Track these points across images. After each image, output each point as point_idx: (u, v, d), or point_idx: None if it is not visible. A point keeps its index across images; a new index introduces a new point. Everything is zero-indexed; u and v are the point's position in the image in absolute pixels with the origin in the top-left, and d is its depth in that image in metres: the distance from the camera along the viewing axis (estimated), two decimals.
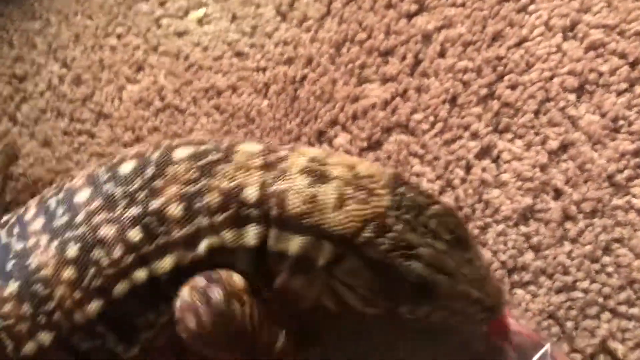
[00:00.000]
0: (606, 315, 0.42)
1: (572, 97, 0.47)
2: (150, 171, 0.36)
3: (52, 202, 0.37)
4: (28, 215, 0.38)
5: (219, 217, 0.35)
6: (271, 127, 0.51)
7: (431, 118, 0.49)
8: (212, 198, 0.35)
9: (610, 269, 0.43)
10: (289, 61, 0.53)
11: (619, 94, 0.46)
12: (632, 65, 0.47)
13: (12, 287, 0.36)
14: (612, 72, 0.47)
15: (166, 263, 0.35)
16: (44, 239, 0.36)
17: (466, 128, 0.48)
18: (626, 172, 0.45)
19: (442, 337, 0.38)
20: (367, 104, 0.50)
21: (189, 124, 0.53)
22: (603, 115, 0.46)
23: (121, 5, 0.60)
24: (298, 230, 0.34)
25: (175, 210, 0.35)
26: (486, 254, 0.45)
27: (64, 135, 0.55)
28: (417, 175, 0.48)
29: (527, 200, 0.45)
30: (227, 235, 0.35)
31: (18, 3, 0.62)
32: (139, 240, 0.35)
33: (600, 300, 0.42)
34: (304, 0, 0.54)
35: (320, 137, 0.50)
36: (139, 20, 0.58)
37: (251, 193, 0.35)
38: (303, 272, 0.35)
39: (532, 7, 0.50)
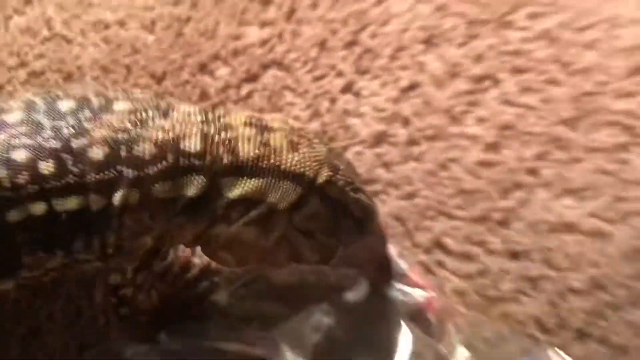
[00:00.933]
0: (441, 217, 0.49)
1: (421, 47, 0.56)
2: (84, 114, 0.35)
3: None
4: None
5: (150, 170, 0.34)
6: (156, 57, 0.55)
7: (303, 58, 0.56)
8: (144, 148, 0.34)
9: (445, 182, 0.51)
10: (176, 3, 0.57)
11: (459, 45, 0.56)
12: (469, 23, 0.56)
13: None
14: (454, 28, 0.56)
15: (70, 203, 0.34)
16: None
17: (332, 68, 0.55)
18: (461, 107, 0.54)
19: None
20: (247, 43, 0.56)
21: (75, 52, 0.56)
22: (445, 62, 0.55)
23: None
24: (255, 174, 0.35)
25: (96, 153, 0.34)
26: None
27: None
28: (290, 104, 0.54)
29: (381, 127, 0.53)
30: (160, 186, 0.34)
31: None
32: (48, 173, 0.34)
33: (437, 205, 0.50)
34: None
35: (202, 69, 0.55)
36: None
37: (193, 143, 0.35)
38: (260, 220, 0.35)
39: None
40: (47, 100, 0.36)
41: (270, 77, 0.55)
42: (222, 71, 0.55)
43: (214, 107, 0.42)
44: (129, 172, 0.34)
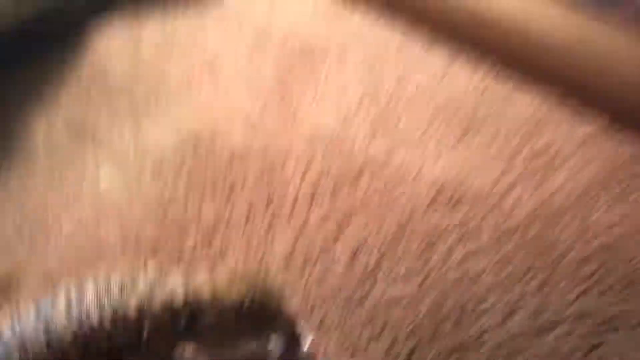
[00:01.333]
0: None
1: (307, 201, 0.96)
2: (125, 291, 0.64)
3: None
4: None
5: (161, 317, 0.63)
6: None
7: (238, 223, 0.95)
8: (155, 307, 0.63)
9: None
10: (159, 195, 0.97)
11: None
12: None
13: None
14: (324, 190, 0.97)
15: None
16: None
17: (261, 228, 0.95)
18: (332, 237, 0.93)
19: None
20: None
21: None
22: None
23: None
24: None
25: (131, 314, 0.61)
26: None
27: None
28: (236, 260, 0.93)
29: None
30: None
31: None
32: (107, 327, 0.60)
33: None
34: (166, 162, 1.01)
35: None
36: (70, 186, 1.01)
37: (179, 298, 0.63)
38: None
39: (287, 162, 1.01)
40: (105, 284, 0.66)
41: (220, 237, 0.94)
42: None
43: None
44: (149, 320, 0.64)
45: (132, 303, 0.62)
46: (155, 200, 0.97)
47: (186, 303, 0.64)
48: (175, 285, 0.65)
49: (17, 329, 0.61)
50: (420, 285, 0.88)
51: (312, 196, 0.97)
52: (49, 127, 1.07)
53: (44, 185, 1.00)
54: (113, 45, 1.18)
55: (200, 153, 1.02)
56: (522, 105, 1.05)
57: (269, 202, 0.96)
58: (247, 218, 0.94)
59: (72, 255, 0.92)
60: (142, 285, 0.65)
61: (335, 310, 0.85)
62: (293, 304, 0.83)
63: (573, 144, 0.99)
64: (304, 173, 0.99)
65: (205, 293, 0.65)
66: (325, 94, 1.08)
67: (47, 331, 0.59)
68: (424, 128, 1.03)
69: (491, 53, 1.08)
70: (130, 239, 0.93)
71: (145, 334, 0.61)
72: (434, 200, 0.95)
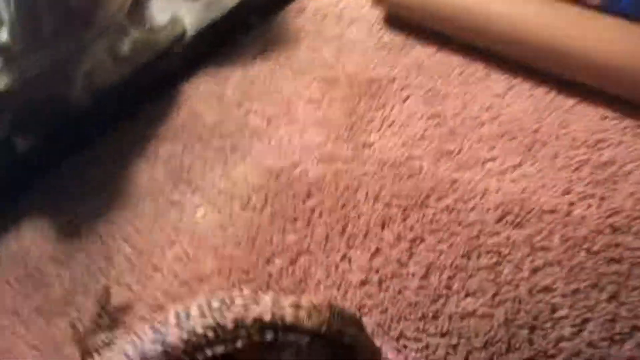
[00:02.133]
0: (401, 321, 0.94)
1: (379, 228, 1.05)
2: (224, 307, 0.72)
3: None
4: None
5: (251, 330, 0.70)
6: (243, 261, 1.06)
7: (318, 246, 1.05)
8: (248, 321, 0.71)
9: (401, 300, 0.97)
10: (249, 228, 1.09)
11: (399, 223, 1.04)
12: (404, 210, 1.05)
13: None
14: (396, 214, 1.05)
15: (219, 349, 0.70)
16: None
17: (333, 249, 1.04)
18: (405, 255, 1.01)
19: None
20: (288, 244, 1.06)
21: (202, 267, 1.07)
22: (392, 233, 1.03)
23: (161, 216, 1.18)
24: (292, 331, 0.70)
25: (229, 325, 0.70)
26: (347, 303, 0.98)
27: None
28: (318, 279, 1.02)
29: (362, 276, 1.00)
30: (255, 337, 0.71)
31: None
32: (210, 336, 0.72)
33: (398, 314, 0.95)
34: (253, 199, 1.13)
35: (268, 262, 1.05)
36: (169, 221, 1.15)
37: (267, 316, 0.70)
38: (295, 352, 0.69)
39: (359, 191, 1.10)
40: (206, 302, 0.79)
41: (302, 260, 1.04)
42: (278, 261, 1.05)
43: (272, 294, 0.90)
44: (243, 332, 0.73)
45: (230, 316, 0.73)
46: (244, 230, 1.09)
47: (273, 320, 0.73)
48: (264, 305, 0.75)
49: (138, 344, 0.73)
50: (493, 298, 0.92)
51: (384, 219, 1.04)
52: (151, 173, 1.23)
53: (150, 226, 1.15)
54: (202, 95, 1.33)
55: (282, 185, 1.13)
56: (583, 121, 1.08)
57: (344, 226, 1.05)
58: (326, 243, 1.04)
59: (175, 285, 1.05)
60: (238, 303, 0.75)
61: (411, 325, 0.92)
62: (371, 327, 0.91)
63: (637, 155, 1.01)
64: (376, 197, 1.07)
65: (288, 315, 0.73)
66: (393, 122, 1.17)
67: (162, 343, 0.71)
68: (489, 148, 1.09)
69: (550, 74, 1.13)
70: (225, 268, 1.04)
71: (239, 343, 0.71)
72: (501, 218, 1.00)
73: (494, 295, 0.93)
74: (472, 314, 0.92)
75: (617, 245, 0.94)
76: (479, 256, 0.97)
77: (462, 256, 0.98)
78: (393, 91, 1.22)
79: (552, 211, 0.99)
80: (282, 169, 1.16)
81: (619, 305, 0.89)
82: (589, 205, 0.99)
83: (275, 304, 0.76)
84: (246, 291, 0.80)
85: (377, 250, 1.02)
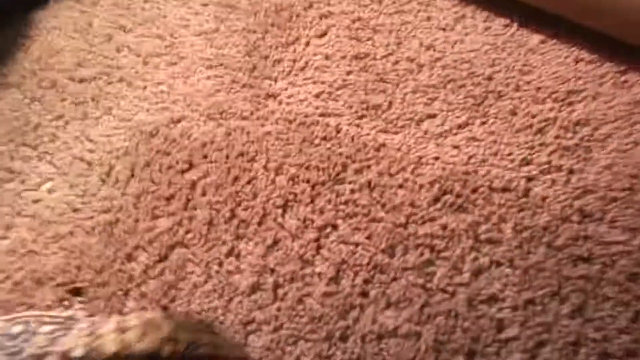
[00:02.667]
0: (300, 342, 0.70)
1: (279, 211, 0.78)
2: (25, 336, 0.58)
3: None
4: None
5: None
6: (96, 256, 0.79)
7: (198, 235, 0.79)
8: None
9: (301, 313, 0.72)
10: (107, 210, 0.82)
11: (306, 205, 0.78)
12: (313, 186, 0.79)
13: None
14: (302, 192, 0.79)
15: None
16: None
17: (218, 239, 0.78)
18: (311, 252, 0.75)
19: None
20: (158, 232, 0.79)
21: (43, 262, 0.80)
22: (298, 219, 0.77)
23: None
24: None
25: None
26: (231, 316, 0.73)
27: None
28: (191, 272, 0.77)
29: (254, 279, 0.75)
30: None
31: None
32: None
33: (296, 333, 0.71)
34: (116, 169, 0.85)
35: (128, 258, 0.78)
36: (7, 195, 0.87)
37: (78, 351, 0.56)
38: None
39: (257, 157, 0.82)
40: (6, 326, 0.60)
41: (176, 254, 0.78)
42: (142, 257, 0.78)
43: (103, 314, 0.65)
44: None
45: (29, 351, 0.57)
46: (101, 212, 0.81)
47: (87, 355, 0.57)
48: (76, 334, 0.59)
49: None
50: (421, 310, 0.69)
51: (287, 199, 0.78)
52: None
53: None
54: (61, 26, 1.01)
55: (155, 150, 0.85)
56: (552, 65, 0.81)
57: (234, 208, 0.79)
58: (208, 231, 0.77)
59: (4, 290, 0.78)
60: (43, 331, 0.59)
61: (312, 348, 0.68)
62: (258, 353, 0.67)
63: (617, 113, 0.76)
64: (278, 169, 0.80)
65: (110, 343, 0.57)
66: (306, 64, 0.88)
67: None
68: (427, 102, 0.82)
69: (512, 0, 0.84)
70: (71, 266, 0.78)
71: None
72: (437, 199, 0.75)
73: (423, 306, 0.70)
74: (393, 332, 0.69)
75: (586, 237, 0.71)
76: (405, 252, 0.73)
77: (384, 251, 0.73)
78: (308, 21, 0.93)
79: (505, 189, 0.75)
80: (157, 127, 0.88)
81: (585, 323, 0.66)
82: (553, 182, 0.74)
83: (94, 329, 0.59)
84: (66, 312, 0.65)
85: (275, 242, 0.76)
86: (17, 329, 0.60)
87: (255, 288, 0.74)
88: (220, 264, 0.77)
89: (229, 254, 0.77)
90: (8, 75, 0.98)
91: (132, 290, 0.77)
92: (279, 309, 0.73)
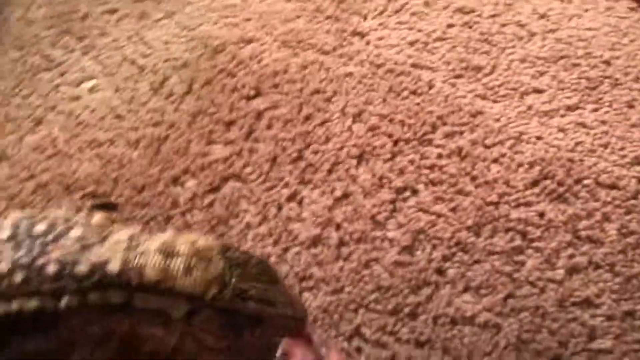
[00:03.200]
0: (361, 310, 0.61)
1: (354, 162, 0.69)
2: (50, 237, 0.49)
3: None
4: None
5: (85, 282, 0.47)
6: (137, 172, 0.69)
7: (257, 171, 0.69)
8: (82, 268, 0.48)
9: (366, 279, 0.63)
10: (156, 124, 0.72)
11: (385, 161, 0.69)
12: (395, 142, 0.70)
13: None
14: (382, 146, 0.69)
15: (32, 303, 0.47)
16: None
17: (281, 180, 0.69)
18: (384, 214, 0.66)
19: None
20: (212, 159, 0.69)
21: (74, 166, 0.70)
22: (373, 175, 0.68)
23: (27, 73, 0.78)
24: (157, 292, 0.47)
25: (50, 270, 0.48)
26: (286, 267, 0.64)
27: None
28: (245, 211, 0.67)
29: (317, 231, 0.65)
30: (92, 296, 0.47)
31: None
32: (17, 282, 0.47)
33: (358, 299, 0.62)
34: (172, 80, 0.74)
35: (175, 181, 0.69)
36: (41, 85, 0.76)
37: (114, 266, 0.48)
38: (162, 324, 0.48)
39: (334, 99, 0.73)
40: (28, 223, 0.51)
41: (229, 187, 0.68)
42: (190, 183, 0.69)
43: (142, 230, 0.54)
44: (72, 284, 0.47)
45: (54, 255, 0.48)
46: (148, 125, 0.71)
47: (123, 271, 0.47)
48: (114, 245, 0.49)
49: None
50: (504, 301, 0.61)
51: (364, 150, 0.69)
52: (25, 13, 0.81)
53: (7, 90, 0.75)
54: None
55: (219, 68, 0.74)
56: None
57: (302, 150, 0.69)
58: (271, 167, 0.68)
59: (34, 189, 0.68)
60: (73, 235, 0.50)
61: (376, 320, 0.59)
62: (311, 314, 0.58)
63: None
64: (357, 115, 0.71)
65: (152, 266, 0.48)
66: (404, 5, 0.78)
67: None
68: (534, 74, 0.73)
69: None
70: (106, 177, 0.67)
71: (64, 302, 0.47)
72: (536, 183, 0.67)
73: (507, 297, 0.61)
74: (470, 320, 0.60)
75: None
76: (493, 233, 0.64)
77: (469, 229, 0.64)
78: None
79: (613, 186, 0.66)
80: (225, 43, 0.77)
81: None
82: None
83: (134, 244, 0.49)
84: (99, 216, 0.52)
85: (345, 195, 0.67)
86: (40, 227, 0.50)
87: (316, 241, 0.65)
88: (280, 208, 0.67)
89: (290, 198, 0.68)
90: None
91: (174, 218, 0.67)
92: (341, 269, 0.64)
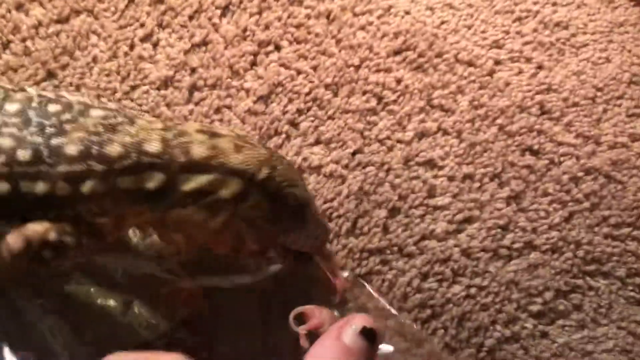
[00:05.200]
0: None
1: (218, 12, 0.66)
2: (66, 116, 0.43)
3: None
4: None
5: (117, 165, 0.41)
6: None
7: (112, 8, 0.65)
8: (113, 148, 0.42)
9: (216, 123, 0.61)
10: None
11: (251, 15, 0.67)
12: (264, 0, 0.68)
13: None
14: (250, 0, 0.67)
15: (39, 187, 0.41)
16: None
17: (137, 19, 0.65)
18: (243, 64, 0.64)
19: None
20: None
21: None
22: (237, 27, 0.66)
23: None
24: (205, 170, 0.42)
25: (71, 149, 0.41)
26: (133, 105, 0.60)
27: None
28: (93, 45, 0.63)
29: (169, 73, 0.63)
30: (124, 181, 0.42)
31: None
32: (23, 159, 0.41)
33: None
34: None
35: (19, 8, 0.63)
36: None
37: (154, 145, 0.42)
38: (209, 206, 0.43)
39: None
40: (41, 101, 0.44)
41: (78, 21, 0.64)
42: (36, 11, 0.63)
43: (170, 118, 0.48)
44: (98, 167, 0.42)
45: (75, 135, 0.42)
46: None
47: (164, 152, 0.43)
48: (151, 126, 0.45)
49: None
50: (353, 156, 0.61)
51: (228, 5, 0.66)
52: None
53: None
54: None
55: None
56: None
57: None
58: (128, 5, 0.64)
59: None
60: (95, 114, 0.44)
61: None
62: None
63: (598, 27, 0.72)
64: None
65: (199, 146, 0.44)
66: None
67: None
68: None
69: None
70: None
71: (86, 187, 0.42)
72: (399, 52, 0.67)
73: (356, 152, 0.62)
74: (317, 169, 0.61)
75: (540, 132, 0.66)
76: (350, 94, 0.65)
77: (327, 87, 0.64)
78: None
79: (470, 64, 0.69)
80: None
81: (519, 211, 0.62)
82: (520, 71, 0.69)
83: (169, 125, 0.45)
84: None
85: (205, 43, 0.66)
86: (55, 107, 0.44)
87: (167, 83, 0.63)
88: (132, 47, 0.64)
89: (145, 39, 0.65)
90: None
91: (13, 43, 0.62)
92: (191, 112, 0.62)
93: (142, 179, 0.42)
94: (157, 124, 0.45)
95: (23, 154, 0.41)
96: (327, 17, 0.69)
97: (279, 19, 0.68)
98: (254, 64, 0.65)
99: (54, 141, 0.42)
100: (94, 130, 0.43)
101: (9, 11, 0.63)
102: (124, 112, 0.46)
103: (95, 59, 0.63)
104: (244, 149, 0.45)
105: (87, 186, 0.42)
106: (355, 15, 0.70)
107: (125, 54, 0.63)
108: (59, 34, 0.63)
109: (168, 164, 0.42)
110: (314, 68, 0.66)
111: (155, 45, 0.65)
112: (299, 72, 0.66)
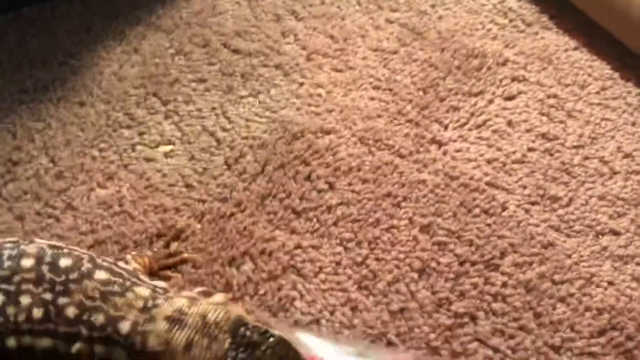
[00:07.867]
0: None
1: (415, 275, 0.68)
2: (73, 275, 0.51)
3: (5, 253, 0.51)
4: None
5: (96, 334, 0.49)
6: (198, 247, 0.69)
7: (317, 270, 0.68)
8: (98, 318, 0.49)
9: None
10: (224, 200, 0.72)
11: (446, 280, 0.68)
12: (461, 263, 0.68)
13: None
14: (447, 264, 0.68)
15: (45, 342, 0.49)
16: None
17: (338, 283, 0.68)
18: (440, 340, 0.64)
19: None
20: (275, 246, 0.69)
21: (135, 228, 0.71)
22: (434, 293, 0.67)
23: (109, 127, 0.80)
24: None
25: (70, 312, 0.49)
26: None
27: (35, 215, 0.72)
28: (296, 309, 0.66)
29: None
30: (98, 348, 0.49)
31: (30, 106, 0.81)
32: (37, 318, 0.49)
33: None
34: (247, 158, 0.75)
35: (231, 262, 0.68)
36: (120, 141, 0.78)
37: (124, 326, 0.49)
38: None
39: (404, 204, 0.72)
40: (53, 254, 0.51)
41: (285, 280, 0.67)
42: (246, 267, 0.68)
43: (166, 290, 0.54)
44: (84, 332, 0.49)
45: (76, 297, 0.50)
46: (216, 200, 0.72)
47: (129, 336, 0.49)
48: (134, 304, 0.50)
49: None
50: None
51: (425, 268, 0.68)
52: (117, 68, 0.85)
53: (86, 142, 0.77)
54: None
55: (294, 155, 0.75)
56: None
57: (368, 253, 0.69)
58: (334, 269, 0.67)
59: (88, 242, 0.69)
60: (97, 277, 0.51)
61: None
62: None
63: None
64: (425, 228, 0.70)
65: (155, 339, 0.49)
66: (485, 122, 0.78)
67: None
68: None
69: None
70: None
71: (75, 347, 0.49)
72: (602, 332, 0.63)
73: None
74: None
75: None
76: None
77: None
78: (498, 79, 0.84)
79: None
80: (304, 130, 0.79)
81: None
82: None
83: (149, 305, 0.50)
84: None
85: (401, 310, 0.66)
86: (66, 262, 0.51)
87: None
88: (332, 313, 0.66)
89: (344, 304, 0.67)
90: (161, 17, 0.90)
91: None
92: None
93: (110, 352, 0.48)
94: (140, 301, 0.49)
95: (36, 312, 0.48)
96: (525, 286, 0.68)
97: (475, 286, 0.68)
98: (449, 338, 0.65)
99: (60, 301, 0.48)
100: (91, 295, 0.49)
101: (223, 265, 0.69)
102: (127, 276, 0.52)
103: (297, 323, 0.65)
104: (194, 347, 0.47)
105: (75, 347, 0.48)
106: (555, 284, 0.68)
107: (327, 320, 0.66)
108: (266, 293, 0.67)
109: (129, 346, 0.48)
110: (513, 350, 0.64)
111: (353, 310, 0.66)
112: (495, 351, 0.64)
